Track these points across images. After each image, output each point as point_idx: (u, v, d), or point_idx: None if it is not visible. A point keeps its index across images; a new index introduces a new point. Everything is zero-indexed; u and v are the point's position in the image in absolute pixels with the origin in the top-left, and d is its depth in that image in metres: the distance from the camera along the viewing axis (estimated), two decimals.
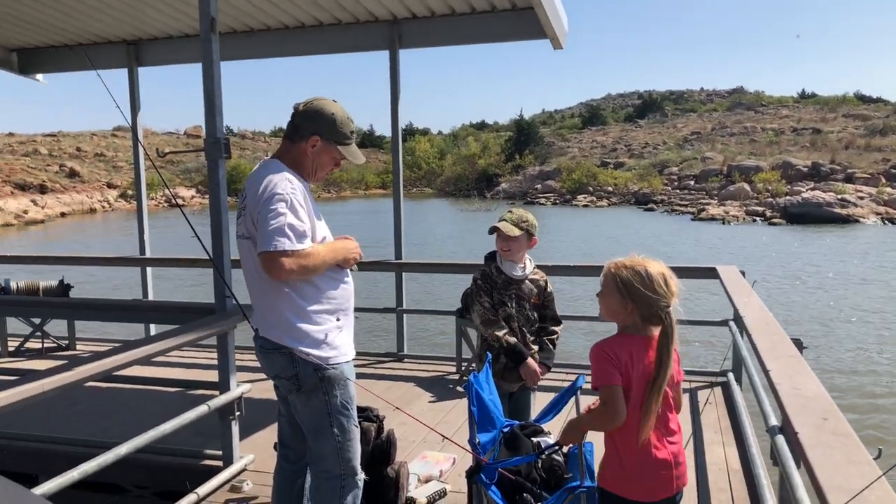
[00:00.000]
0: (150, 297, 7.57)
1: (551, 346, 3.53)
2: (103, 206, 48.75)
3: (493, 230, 3.45)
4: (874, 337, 11.22)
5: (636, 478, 2.25)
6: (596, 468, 2.52)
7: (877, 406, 8.12)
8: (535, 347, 3.49)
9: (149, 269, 7.58)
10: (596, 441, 2.57)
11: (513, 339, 3.38)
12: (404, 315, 6.67)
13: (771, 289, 15.03)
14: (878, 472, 1.63)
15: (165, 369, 6.14)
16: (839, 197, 33.10)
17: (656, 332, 2.25)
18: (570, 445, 2.53)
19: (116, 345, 3.75)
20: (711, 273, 5.30)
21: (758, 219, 33.16)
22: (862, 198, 33.84)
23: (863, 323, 12.21)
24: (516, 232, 3.39)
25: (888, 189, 35.89)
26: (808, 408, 2.19)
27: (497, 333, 3.38)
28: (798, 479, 2.50)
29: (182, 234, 3.54)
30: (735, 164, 44.90)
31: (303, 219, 2.53)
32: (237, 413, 3.91)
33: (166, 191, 44.72)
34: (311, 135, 2.68)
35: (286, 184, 2.55)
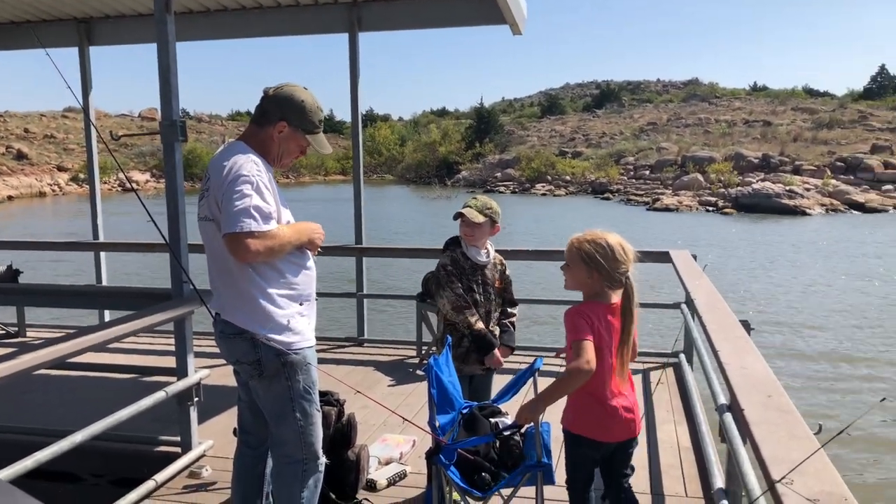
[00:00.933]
0: (105, 284, 7.42)
1: (512, 329, 3.62)
2: (53, 190, 47.34)
3: (458, 216, 3.49)
4: (817, 319, 11.62)
5: (604, 421, 2.55)
6: (554, 448, 2.60)
7: (818, 384, 8.44)
8: (498, 330, 3.57)
9: (103, 255, 7.41)
10: (553, 419, 2.64)
11: (483, 328, 3.44)
12: (365, 300, 6.68)
13: (721, 274, 15.43)
14: (818, 445, 1.72)
15: (122, 356, 6.04)
16: (787, 188, 33.99)
17: (616, 298, 2.56)
18: (528, 425, 2.59)
19: (70, 331, 3.69)
20: (665, 257, 5.43)
21: (710, 209, 33.91)
22: (809, 189, 34.80)
23: (806, 307, 12.63)
24: (480, 218, 3.45)
25: (833, 181, 36.98)
26: (754, 386, 2.28)
27: (469, 319, 3.43)
28: (744, 454, 2.60)
29: (138, 219, 3.49)
30: (689, 154, 45.70)
31: (269, 201, 2.51)
32: (195, 399, 3.89)
33: (120, 174, 43.60)
34: (278, 120, 2.66)
35: (252, 165, 2.53)
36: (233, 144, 2.68)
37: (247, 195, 2.45)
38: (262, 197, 2.49)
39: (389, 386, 5.37)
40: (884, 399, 7.84)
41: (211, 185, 2.58)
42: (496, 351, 3.46)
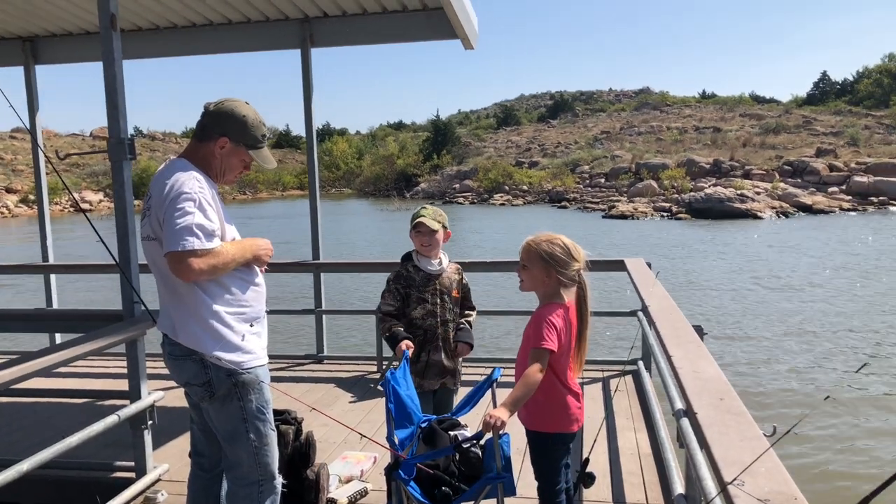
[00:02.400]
0: (56, 307, 7.21)
1: (468, 326, 3.65)
2: (2, 213, 45.97)
3: (417, 225, 3.48)
4: (770, 322, 11.90)
5: (570, 413, 2.73)
6: (515, 460, 2.61)
7: (770, 385, 8.63)
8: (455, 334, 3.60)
9: (52, 277, 7.21)
10: (510, 430, 2.64)
11: (396, 329, 3.44)
12: (323, 316, 6.62)
13: (675, 279, 15.72)
14: (768, 446, 1.75)
15: (74, 380, 5.87)
16: (738, 192, 34.86)
17: (569, 297, 2.71)
18: (487, 437, 2.59)
19: (16, 356, 3.57)
20: (620, 266, 5.50)
21: (665, 214, 34.55)
22: (759, 193, 35.75)
23: (759, 310, 12.92)
24: (437, 226, 3.47)
25: (781, 184, 38.05)
26: (706, 389, 2.31)
27: (386, 325, 3.45)
28: (701, 458, 2.63)
29: (90, 240, 3.41)
30: (643, 161, 46.57)
31: (211, 218, 2.46)
32: (149, 422, 3.79)
33: (71, 195, 42.56)
34: (219, 136, 2.62)
35: (194, 182, 2.48)
36: (174, 161, 2.63)
37: (189, 213, 2.40)
38: (205, 214, 2.44)
39: (350, 402, 5.32)
40: (827, 397, 8.06)
41: (153, 204, 2.52)
42: (402, 344, 3.32)
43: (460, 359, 3.65)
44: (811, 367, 9.33)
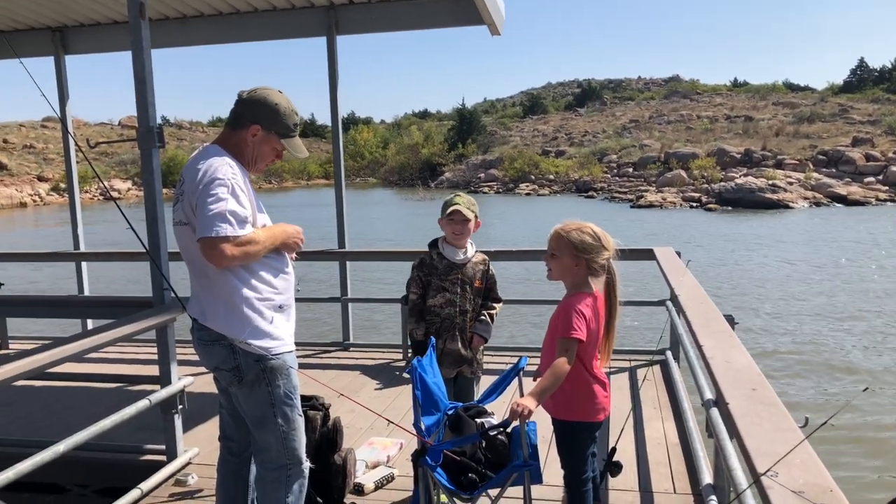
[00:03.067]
0: (87, 294, 7.34)
1: (489, 320, 3.61)
2: (34, 200, 46.89)
3: (454, 213, 3.45)
4: (803, 313, 11.71)
5: (598, 402, 2.72)
6: (541, 448, 2.60)
7: (803, 377, 8.50)
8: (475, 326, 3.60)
9: (84, 265, 7.33)
10: (537, 419, 2.63)
11: (420, 333, 3.52)
12: (349, 304, 6.65)
13: (705, 269, 15.53)
14: (802, 437, 1.72)
15: (106, 366, 5.98)
16: (770, 182, 34.31)
17: (598, 286, 2.69)
18: (514, 424, 2.59)
19: (49, 342, 3.64)
20: (649, 254, 5.44)
21: (694, 204, 34.13)
22: (791, 183, 35.16)
23: (792, 300, 12.72)
24: (471, 215, 3.45)
25: (815, 174, 37.36)
26: (738, 380, 2.28)
27: (411, 327, 3.55)
28: (731, 449, 2.60)
29: (120, 228, 3.46)
30: (672, 151, 46.04)
31: (244, 204, 2.47)
32: (180, 406, 3.85)
33: (101, 183, 43.25)
34: (252, 123, 2.63)
35: (227, 168, 2.49)
36: (207, 148, 2.64)
37: (222, 199, 2.41)
38: (238, 200, 2.45)
39: (376, 389, 5.34)
40: (866, 388, 7.91)
41: (185, 189, 2.54)
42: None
43: (480, 348, 3.63)
44: (847, 359, 9.18)
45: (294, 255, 2.77)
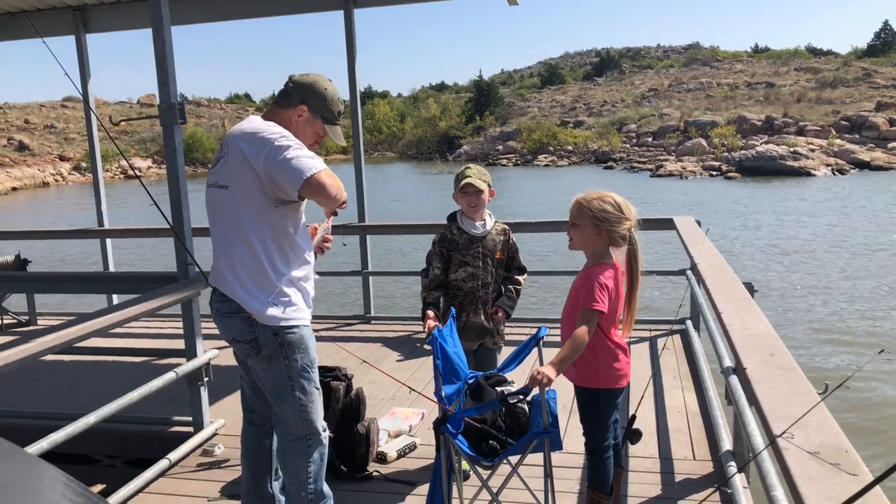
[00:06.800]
0: (111, 269, 7.46)
1: (514, 293, 3.58)
2: (56, 180, 47.39)
3: (467, 186, 3.46)
4: (822, 280, 11.61)
5: (620, 369, 2.74)
6: (561, 415, 2.64)
7: (823, 343, 8.47)
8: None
9: (108, 241, 7.45)
10: (556, 387, 2.67)
11: (434, 296, 3.53)
12: (370, 277, 6.70)
13: (725, 238, 15.41)
14: (819, 400, 1.73)
15: (133, 340, 6.11)
16: (791, 150, 33.75)
17: (619, 256, 2.70)
18: (534, 392, 2.62)
19: (75, 317, 3.72)
20: (668, 224, 5.42)
21: (714, 173, 33.72)
22: (813, 150, 34.57)
23: (811, 269, 12.61)
24: (483, 185, 3.46)
25: (838, 141, 36.69)
26: (756, 346, 2.28)
27: (424, 294, 3.57)
28: (750, 414, 2.63)
29: (142, 206, 3.51)
30: (692, 119, 45.37)
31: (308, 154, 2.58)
32: (206, 379, 3.93)
33: (122, 162, 43.56)
34: (300, 104, 2.71)
35: (279, 128, 2.60)
36: (253, 117, 2.73)
37: (296, 146, 2.53)
38: (303, 150, 2.56)
39: (397, 361, 5.41)
40: (881, 351, 7.87)
41: (229, 151, 2.60)
42: (429, 312, 3.34)
43: (503, 319, 3.64)
44: (865, 326, 9.12)
45: (337, 211, 2.83)
